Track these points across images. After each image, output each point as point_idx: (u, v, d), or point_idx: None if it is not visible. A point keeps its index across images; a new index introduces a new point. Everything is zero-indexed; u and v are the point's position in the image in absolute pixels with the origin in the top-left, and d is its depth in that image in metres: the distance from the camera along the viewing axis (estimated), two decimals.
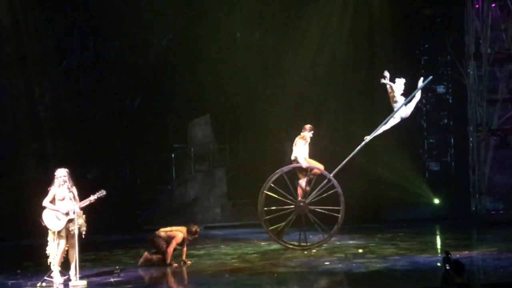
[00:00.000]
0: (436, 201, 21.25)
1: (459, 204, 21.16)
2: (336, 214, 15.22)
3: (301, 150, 15.28)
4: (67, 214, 11.98)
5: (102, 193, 12.15)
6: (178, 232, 13.69)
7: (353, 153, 15.42)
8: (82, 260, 12.72)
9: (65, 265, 12.22)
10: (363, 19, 20.91)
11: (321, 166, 15.34)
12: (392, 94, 15.50)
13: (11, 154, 19.68)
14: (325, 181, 15.25)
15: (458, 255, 12.67)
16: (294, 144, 15.41)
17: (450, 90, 21.89)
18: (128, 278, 12.71)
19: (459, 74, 21.36)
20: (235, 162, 22.64)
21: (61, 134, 19.99)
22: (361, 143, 15.44)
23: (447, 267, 8.05)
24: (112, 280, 12.53)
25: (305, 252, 14.97)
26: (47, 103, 20.31)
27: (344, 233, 16.57)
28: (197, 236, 13.95)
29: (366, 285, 11.88)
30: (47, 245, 12.16)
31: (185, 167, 22.05)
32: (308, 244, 15.40)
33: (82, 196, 12.16)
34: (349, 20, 20.92)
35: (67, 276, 12.17)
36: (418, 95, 15.67)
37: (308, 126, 15.54)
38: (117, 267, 13.53)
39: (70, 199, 12.03)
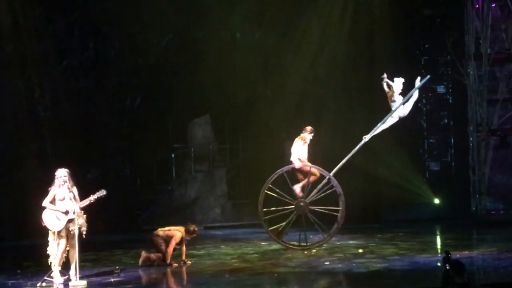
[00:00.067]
0: (436, 201, 21.26)
1: (459, 204, 21.16)
2: (336, 214, 15.24)
3: (297, 150, 15.30)
4: (67, 214, 11.98)
5: (102, 193, 12.15)
6: (177, 232, 13.71)
7: (352, 153, 15.43)
8: (82, 260, 12.72)
9: (65, 265, 12.22)
10: (363, 19, 20.91)
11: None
12: (390, 93, 15.55)
13: (11, 154, 19.67)
14: (325, 180, 15.25)
15: (458, 255, 12.67)
16: (293, 144, 15.44)
17: (450, 90, 21.91)
18: (128, 278, 12.71)
19: (459, 74, 21.36)
20: (235, 162, 22.63)
21: (61, 134, 19.97)
22: (360, 142, 15.47)
23: (447, 267, 8.05)
24: (112, 280, 12.53)
25: (305, 252, 14.97)
26: (47, 103, 20.31)
27: (344, 233, 16.57)
28: (195, 235, 13.98)
29: (366, 285, 11.88)
30: (47, 245, 12.17)
31: (185, 167, 22.04)
32: (308, 244, 15.40)
33: (82, 196, 12.17)
34: (349, 20, 20.92)
35: (67, 276, 12.17)
36: (416, 94, 15.71)
37: (309, 128, 15.56)
38: (117, 267, 13.53)
39: (70, 199, 12.03)
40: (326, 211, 15.27)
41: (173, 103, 21.61)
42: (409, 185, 20.74)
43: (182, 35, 21.48)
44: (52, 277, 12.12)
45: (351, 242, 16.38)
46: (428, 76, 16.20)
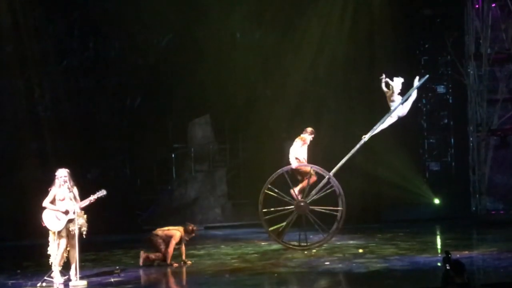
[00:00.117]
0: (436, 201, 21.26)
1: (459, 204, 21.15)
2: (336, 214, 15.24)
3: (296, 150, 15.30)
4: (67, 214, 11.98)
5: (102, 193, 12.15)
6: (176, 232, 13.74)
7: (351, 152, 15.44)
8: (82, 260, 12.71)
9: (65, 265, 12.23)
10: (363, 19, 20.91)
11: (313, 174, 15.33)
12: (389, 93, 15.57)
13: (11, 154, 19.67)
14: (325, 180, 15.25)
15: (458, 255, 12.67)
16: (293, 145, 15.46)
17: (450, 90, 21.91)
18: (128, 278, 12.71)
19: (459, 74, 21.35)
20: (235, 162, 22.63)
21: (61, 134, 19.97)
22: (360, 142, 15.48)
23: (447, 267, 8.05)
24: (112, 280, 12.53)
25: (305, 252, 14.97)
26: (47, 103, 20.30)
27: (344, 233, 16.57)
28: (193, 235, 14.01)
29: (366, 285, 11.88)
30: (48, 245, 12.17)
31: (185, 167, 22.04)
32: (308, 244, 15.40)
33: (82, 196, 12.17)
34: (349, 20, 20.92)
35: (67, 276, 12.17)
36: (414, 94, 15.73)
37: (309, 129, 15.57)
38: (117, 267, 13.54)
39: (71, 199, 12.04)
40: (327, 211, 15.28)
41: (173, 103, 21.60)
42: (409, 185, 20.74)
43: (182, 35, 21.48)
44: (52, 277, 12.12)
45: (351, 242, 16.38)
46: (427, 76, 16.21)
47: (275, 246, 15.72)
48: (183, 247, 13.91)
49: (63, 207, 12.00)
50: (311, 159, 15.60)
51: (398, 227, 18.93)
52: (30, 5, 19.79)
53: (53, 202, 12.06)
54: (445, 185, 21.42)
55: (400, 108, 15.55)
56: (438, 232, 18.58)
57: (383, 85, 15.62)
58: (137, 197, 21.36)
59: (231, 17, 21.49)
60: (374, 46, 21.03)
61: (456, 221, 19.96)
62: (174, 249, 13.73)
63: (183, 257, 13.90)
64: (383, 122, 15.57)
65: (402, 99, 15.51)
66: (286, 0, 21.29)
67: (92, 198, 12.10)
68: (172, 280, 12.98)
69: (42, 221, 12.10)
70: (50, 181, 12.23)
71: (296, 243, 15.42)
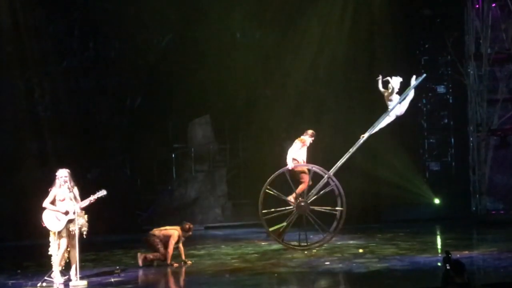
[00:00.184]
0: (437, 201, 21.26)
1: (459, 204, 21.14)
2: (336, 213, 15.25)
3: (294, 151, 15.29)
4: (66, 214, 11.98)
5: (102, 193, 12.15)
6: (174, 231, 13.76)
7: (350, 151, 15.45)
8: (82, 260, 12.72)
9: (66, 265, 12.23)
10: (363, 19, 20.90)
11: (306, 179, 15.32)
12: (387, 93, 15.59)
13: (11, 154, 19.67)
14: (324, 179, 15.25)
15: (458, 255, 12.67)
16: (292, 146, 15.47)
17: (450, 90, 21.90)
18: (129, 278, 12.72)
19: (459, 74, 21.35)
20: (235, 162, 22.64)
21: (61, 134, 19.97)
22: (358, 141, 15.50)
23: (448, 267, 8.05)
24: (112, 280, 12.53)
25: (305, 252, 14.97)
26: (47, 103, 20.30)
27: (344, 233, 16.56)
28: (190, 233, 14.02)
29: (366, 285, 11.88)
30: (49, 245, 12.17)
31: (185, 167, 22.05)
32: (308, 244, 15.40)
33: (82, 196, 12.17)
34: (349, 20, 20.91)
35: (67, 276, 12.17)
36: (411, 93, 15.74)
37: (310, 132, 15.56)
38: (118, 267, 13.54)
39: (71, 199, 12.03)
40: (327, 211, 15.28)
41: (173, 103, 21.61)
42: (409, 185, 20.74)
43: (182, 35, 21.49)
44: (52, 277, 12.12)
45: (351, 242, 16.38)
46: (424, 75, 16.20)
47: (275, 246, 15.72)
48: (182, 246, 13.91)
49: (63, 207, 12.00)
50: (311, 159, 15.59)
51: (398, 227, 18.94)
52: (30, 5, 19.78)
53: (53, 202, 12.06)
54: (445, 185, 21.41)
55: (398, 107, 15.60)
56: (438, 232, 18.59)
57: (379, 86, 15.68)
58: (137, 197, 21.37)
59: (231, 17, 21.49)
60: (374, 46, 21.04)
61: (456, 221, 19.95)
62: (173, 249, 13.74)
63: (183, 257, 13.90)
64: (381, 121, 15.60)
65: (399, 98, 15.55)
66: (286, 0, 21.28)
67: (92, 198, 12.10)
68: (172, 280, 12.99)
69: (42, 222, 12.10)
70: (50, 181, 12.24)
71: (296, 243, 15.41)
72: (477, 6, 21.11)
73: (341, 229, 15.61)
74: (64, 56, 20.70)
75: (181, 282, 12.88)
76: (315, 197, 15.34)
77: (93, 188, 12.30)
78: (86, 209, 12.17)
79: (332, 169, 15.35)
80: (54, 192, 12.06)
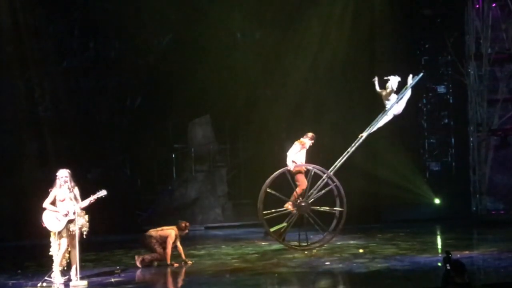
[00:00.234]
0: (437, 201, 21.26)
1: (460, 204, 21.15)
2: (335, 213, 15.26)
3: (293, 152, 15.28)
4: (66, 214, 11.97)
5: (102, 193, 12.15)
6: (171, 231, 13.77)
7: (349, 151, 15.46)
8: (82, 260, 12.70)
9: (66, 265, 12.22)
10: (364, 19, 20.90)
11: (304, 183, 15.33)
12: (385, 93, 15.62)
13: (11, 154, 19.67)
14: (324, 178, 15.25)
15: (458, 255, 12.69)
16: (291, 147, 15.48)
17: (450, 90, 21.90)
18: (129, 278, 12.72)
19: (459, 74, 21.35)
20: (235, 162, 22.65)
21: (61, 134, 19.97)
22: (357, 140, 15.52)
23: (448, 267, 8.04)
24: (112, 280, 12.53)
25: (305, 252, 14.96)
26: (47, 103, 20.31)
27: (344, 233, 16.56)
28: (187, 231, 14.04)
29: (366, 285, 11.88)
30: (50, 246, 12.16)
31: (185, 167, 22.05)
32: (308, 244, 15.39)
33: (82, 196, 12.16)
34: (349, 20, 20.92)
35: (67, 276, 12.16)
36: (408, 92, 15.76)
37: (310, 135, 15.55)
38: (118, 267, 13.54)
39: (71, 199, 12.03)
40: (328, 211, 15.28)
41: (173, 103, 21.61)
42: (409, 185, 20.74)
43: (182, 35, 21.49)
44: (52, 277, 12.11)
45: (351, 242, 16.38)
46: (421, 74, 16.21)
47: (276, 246, 15.72)
48: (180, 246, 13.90)
49: (63, 208, 11.99)
50: (311, 160, 15.58)
51: (398, 227, 18.94)
52: (30, 5, 19.79)
53: (53, 203, 12.05)
54: (445, 185, 21.41)
55: (395, 106, 15.63)
56: (438, 232, 18.58)
57: (376, 87, 15.71)
58: (137, 197, 21.37)
59: (231, 17, 21.50)
60: (374, 46, 21.05)
61: (456, 221, 19.95)
62: (173, 249, 13.74)
63: (183, 257, 13.90)
64: (379, 121, 15.63)
65: (397, 98, 15.58)
66: (286, 0, 21.28)
67: (93, 198, 12.10)
68: (172, 280, 12.98)
69: (42, 222, 12.09)
70: (50, 181, 12.23)
71: (296, 243, 15.41)
72: (477, 6, 21.13)
73: (341, 229, 15.60)
74: (64, 56, 20.71)
75: (181, 282, 12.87)
76: (315, 197, 15.33)
77: (93, 188, 12.29)
78: (86, 209, 12.17)
79: (331, 168, 15.35)
80: (54, 192, 12.05)
